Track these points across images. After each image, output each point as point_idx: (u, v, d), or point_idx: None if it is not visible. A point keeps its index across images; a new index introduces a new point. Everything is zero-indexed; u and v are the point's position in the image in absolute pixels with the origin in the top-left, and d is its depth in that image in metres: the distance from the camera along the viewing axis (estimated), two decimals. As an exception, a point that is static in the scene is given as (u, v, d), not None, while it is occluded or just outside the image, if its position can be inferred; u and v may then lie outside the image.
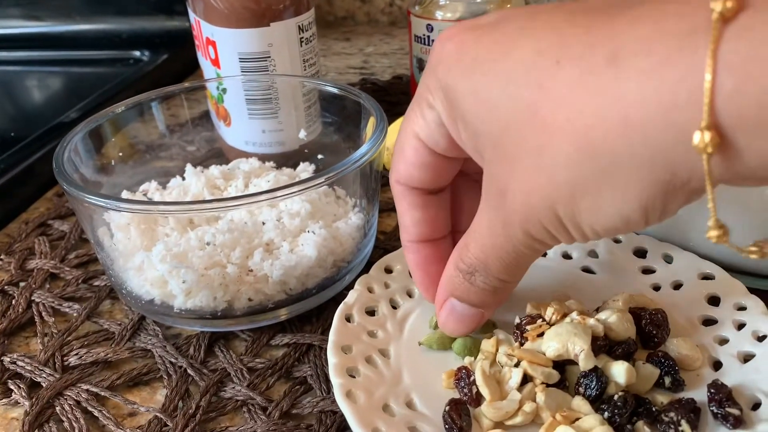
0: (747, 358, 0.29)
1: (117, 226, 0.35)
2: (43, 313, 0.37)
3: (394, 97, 0.61)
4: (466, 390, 0.28)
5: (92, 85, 0.64)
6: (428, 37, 0.50)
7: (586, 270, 0.36)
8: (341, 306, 0.32)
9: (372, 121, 0.37)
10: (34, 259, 0.42)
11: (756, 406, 0.27)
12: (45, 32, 0.75)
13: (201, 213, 0.35)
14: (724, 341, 0.30)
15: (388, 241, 0.41)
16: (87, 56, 0.72)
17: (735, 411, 0.26)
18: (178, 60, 0.69)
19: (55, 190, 0.51)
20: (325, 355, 0.30)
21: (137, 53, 0.71)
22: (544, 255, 0.37)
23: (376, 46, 0.76)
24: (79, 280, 0.39)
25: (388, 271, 0.36)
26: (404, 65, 0.69)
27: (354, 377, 0.29)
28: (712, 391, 0.27)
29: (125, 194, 0.41)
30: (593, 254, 0.36)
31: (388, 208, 0.45)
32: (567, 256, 0.37)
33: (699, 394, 0.27)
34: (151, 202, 0.39)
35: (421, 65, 0.52)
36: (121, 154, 0.44)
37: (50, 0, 0.75)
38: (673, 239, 0.35)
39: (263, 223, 0.35)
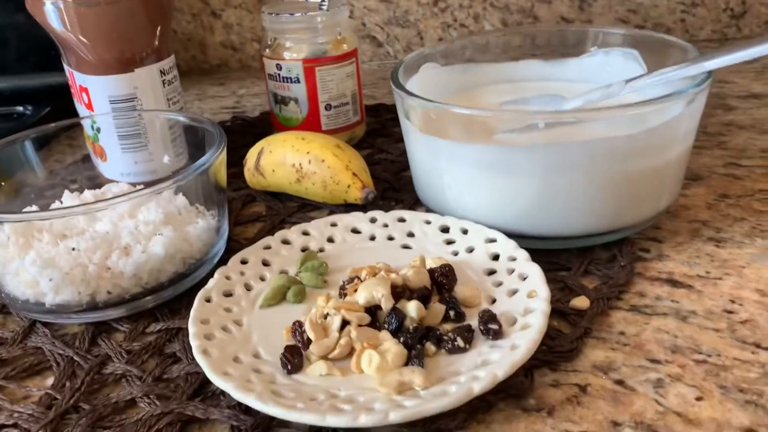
0: (514, 293, 0.38)
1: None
2: (-60, 331, 0.42)
3: (261, 129, 0.69)
4: (298, 337, 0.35)
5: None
6: (279, 74, 0.59)
7: (405, 246, 0.44)
8: (201, 291, 0.40)
9: (214, 139, 0.45)
10: (-72, 289, 0.46)
11: (514, 322, 0.36)
12: (-72, 94, 0.79)
13: (53, 219, 0.41)
14: (499, 284, 0.39)
15: (249, 245, 0.48)
16: (-30, 114, 0.76)
17: (494, 326, 0.35)
18: (60, 112, 0.74)
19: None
20: (190, 330, 0.37)
21: (20, 108, 0.76)
22: (373, 239, 0.45)
23: (248, 88, 0.84)
24: (-27, 302, 0.44)
25: (244, 262, 0.43)
26: (273, 103, 0.77)
27: (210, 341, 0.36)
28: (480, 315, 0.35)
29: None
30: (411, 234, 0.45)
31: (251, 219, 0.53)
32: (390, 238, 0.45)
33: (476, 322, 0.36)
34: (23, 213, 0.45)
35: (276, 98, 0.60)
36: (5, 195, 0.49)
37: (-68, 63, 0.79)
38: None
39: (122, 231, 0.42)
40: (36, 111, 0.74)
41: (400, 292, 0.36)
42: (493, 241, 0.42)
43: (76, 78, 0.52)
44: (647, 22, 0.87)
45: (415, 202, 0.52)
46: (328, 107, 0.59)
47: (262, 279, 0.42)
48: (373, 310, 0.36)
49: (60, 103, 0.75)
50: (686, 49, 0.48)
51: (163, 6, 0.52)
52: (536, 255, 0.41)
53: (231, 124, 0.71)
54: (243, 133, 0.68)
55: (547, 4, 0.86)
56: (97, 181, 0.56)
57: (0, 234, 0.41)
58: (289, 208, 0.54)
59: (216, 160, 0.42)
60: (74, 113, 0.60)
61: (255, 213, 0.54)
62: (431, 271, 0.39)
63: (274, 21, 0.57)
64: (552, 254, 0.44)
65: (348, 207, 0.52)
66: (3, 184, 0.49)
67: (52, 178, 0.55)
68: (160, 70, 0.52)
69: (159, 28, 0.52)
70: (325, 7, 0.57)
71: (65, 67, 0.53)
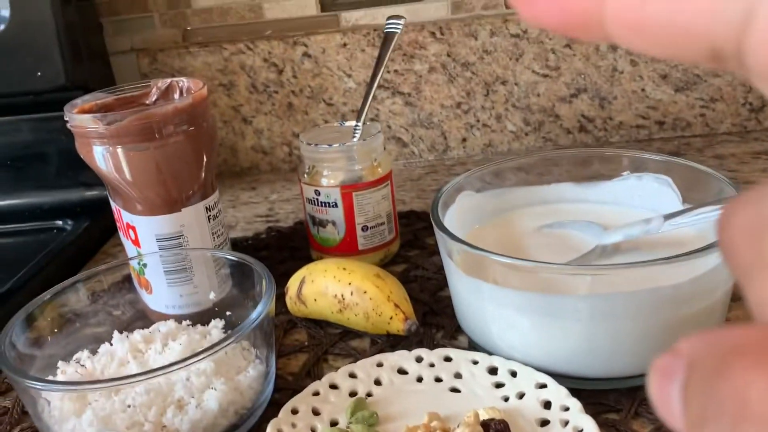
0: (569, 448, 0.38)
1: (52, 399, 0.42)
2: (-4, 487, 0.42)
3: (296, 242, 0.70)
4: (358, 506, 0.35)
5: (20, 255, 0.70)
6: (317, 199, 0.60)
7: (454, 389, 0.45)
8: (257, 448, 0.40)
9: (264, 284, 0.46)
10: (-19, 437, 0.47)
11: (574, 486, 0.36)
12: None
13: (117, 386, 0.42)
14: (554, 437, 0.39)
15: (296, 382, 0.49)
16: (12, 229, 0.78)
17: (555, 493, 0.35)
18: (98, 226, 0.76)
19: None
20: (246, 492, 0.37)
21: (60, 222, 0.77)
22: (420, 380, 0.46)
23: (280, 192, 0.86)
24: (26, 452, 0.45)
25: (294, 412, 0.43)
26: (304, 210, 0.79)
27: (270, 508, 0.36)
28: (540, 480, 0.36)
29: (60, 364, 0.47)
30: (458, 375, 0.46)
31: (293, 350, 0.53)
32: (438, 380, 0.46)
33: (535, 483, 0.36)
34: (79, 383, 0.45)
35: (313, 221, 0.62)
36: (54, 328, 0.51)
37: (-28, 180, 0.82)
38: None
39: (175, 384, 0.43)
40: (76, 226, 0.76)
41: (458, 455, 0.36)
42: (543, 386, 0.43)
43: (123, 216, 0.54)
44: (667, 117, 0.88)
45: (456, 329, 0.53)
46: (364, 228, 0.61)
47: (314, 430, 0.42)
48: (430, 473, 0.36)
49: (98, 218, 0.77)
50: (720, 179, 0.49)
51: (208, 141, 0.54)
52: (585, 394, 0.41)
53: (266, 236, 0.73)
54: (279, 246, 0.70)
55: (568, 103, 0.88)
56: (139, 307, 0.58)
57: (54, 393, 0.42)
58: (330, 336, 0.54)
59: (267, 308, 0.43)
60: (113, 228, 0.62)
61: (297, 341, 0.54)
62: (485, 426, 0.39)
63: (313, 151, 0.59)
64: (600, 394, 0.44)
65: (390, 336, 0.53)
66: (53, 327, 0.50)
67: (95, 303, 0.56)
68: (206, 207, 0.54)
69: (205, 163, 0.54)
70: (356, 138, 0.59)
71: (112, 204, 0.55)
